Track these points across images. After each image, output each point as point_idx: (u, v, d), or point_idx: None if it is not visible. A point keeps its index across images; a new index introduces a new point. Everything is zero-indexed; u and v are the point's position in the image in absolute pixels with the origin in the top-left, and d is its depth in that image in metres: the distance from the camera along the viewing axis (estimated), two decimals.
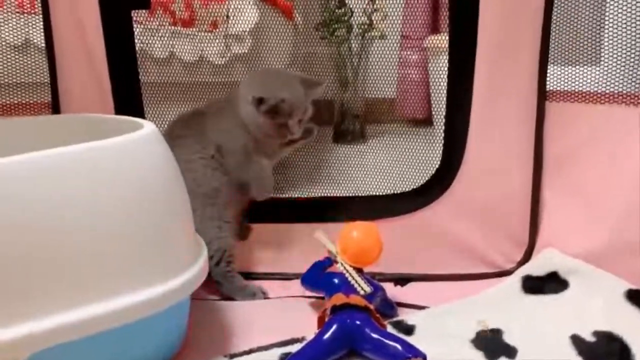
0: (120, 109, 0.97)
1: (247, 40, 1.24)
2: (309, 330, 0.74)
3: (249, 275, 0.96)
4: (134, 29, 1.02)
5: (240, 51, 1.25)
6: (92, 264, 0.59)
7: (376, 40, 1.53)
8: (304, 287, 0.86)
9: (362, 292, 0.76)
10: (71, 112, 0.95)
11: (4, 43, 0.97)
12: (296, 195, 1.08)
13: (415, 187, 1.00)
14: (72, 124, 0.81)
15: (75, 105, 0.96)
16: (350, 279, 0.79)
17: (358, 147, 1.59)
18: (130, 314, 0.62)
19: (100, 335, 0.59)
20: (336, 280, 0.80)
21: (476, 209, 0.95)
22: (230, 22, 1.23)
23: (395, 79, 1.62)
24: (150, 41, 1.18)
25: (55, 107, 0.95)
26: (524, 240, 0.95)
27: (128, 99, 0.99)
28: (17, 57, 0.96)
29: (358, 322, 0.71)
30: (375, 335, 0.70)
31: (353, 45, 1.70)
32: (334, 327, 0.71)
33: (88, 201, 0.59)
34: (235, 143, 0.90)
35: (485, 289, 0.90)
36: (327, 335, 0.70)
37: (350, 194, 1.05)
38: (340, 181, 1.13)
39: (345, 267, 0.81)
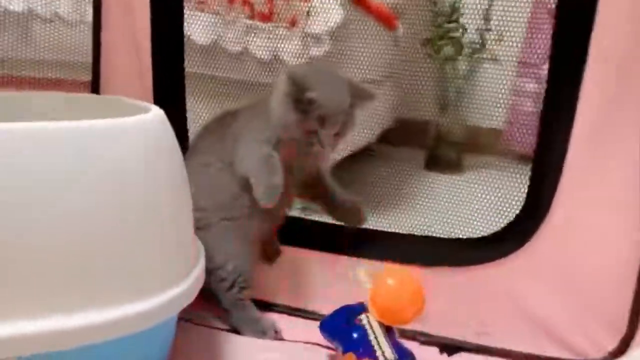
0: (159, 99, 0.88)
1: (325, 42, 1.11)
2: None
3: (267, 306, 0.82)
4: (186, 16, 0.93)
5: (317, 53, 1.12)
6: (49, 270, 0.49)
7: (487, 63, 1.35)
8: (322, 334, 0.70)
9: (381, 359, 0.62)
10: (110, 92, 0.88)
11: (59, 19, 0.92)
12: None
13: (486, 233, 0.80)
14: (81, 103, 0.72)
15: (116, 87, 0.89)
16: (371, 338, 0.63)
17: (449, 178, 1.40)
18: (100, 332, 0.51)
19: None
20: (355, 335, 0.64)
21: (560, 274, 0.74)
22: (310, 20, 1.11)
23: (506, 107, 1.43)
24: (224, 33, 1.10)
25: (94, 87, 0.88)
26: (620, 327, 0.72)
27: (169, 89, 0.89)
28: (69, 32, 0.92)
29: None
30: None
31: (460, 65, 1.54)
32: None
33: (57, 190, 0.49)
34: (251, 132, 0.75)
35: None
36: None
37: (408, 231, 0.87)
38: (408, 213, 0.95)
39: (369, 322, 0.65)
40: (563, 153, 0.73)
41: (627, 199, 0.71)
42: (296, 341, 0.75)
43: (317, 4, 1.10)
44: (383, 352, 0.62)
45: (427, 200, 0.93)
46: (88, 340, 0.50)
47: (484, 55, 1.52)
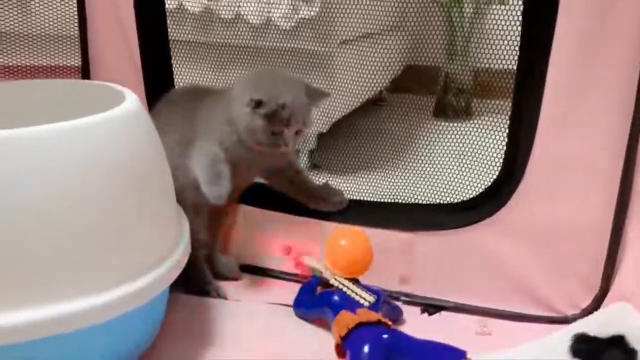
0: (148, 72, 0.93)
1: (316, 1, 1.10)
2: None
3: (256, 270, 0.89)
4: None
5: (308, 14, 1.11)
6: (45, 261, 0.53)
7: (494, 6, 1.31)
8: (298, 314, 0.78)
9: (366, 304, 0.71)
10: (100, 75, 0.92)
11: None
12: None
13: (465, 198, 0.82)
14: (55, 90, 0.75)
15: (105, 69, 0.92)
16: (349, 292, 0.72)
17: (457, 125, 1.38)
18: (93, 316, 0.55)
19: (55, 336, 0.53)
20: (336, 298, 0.72)
21: (538, 234, 0.75)
22: None
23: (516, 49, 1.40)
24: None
25: (85, 71, 0.92)
26: (594, 284, 0.73)
27: (156, 59, 0.93)
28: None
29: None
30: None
31: (466, 9, 1.50)
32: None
33: (52, 188, 0.53)
34: (207, 132, 0.80)
35: (531, 337, 0.71)
36: None
37: (392, 199, 0.90)
38: (396, 172, 0.96)
39: (340, 282, 0.73)
40: (537, 110, 0.72)
41: (604, 159, 0.71)
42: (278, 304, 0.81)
43: None
44: (365, 299, 0.70)
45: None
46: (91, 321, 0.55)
47: None
